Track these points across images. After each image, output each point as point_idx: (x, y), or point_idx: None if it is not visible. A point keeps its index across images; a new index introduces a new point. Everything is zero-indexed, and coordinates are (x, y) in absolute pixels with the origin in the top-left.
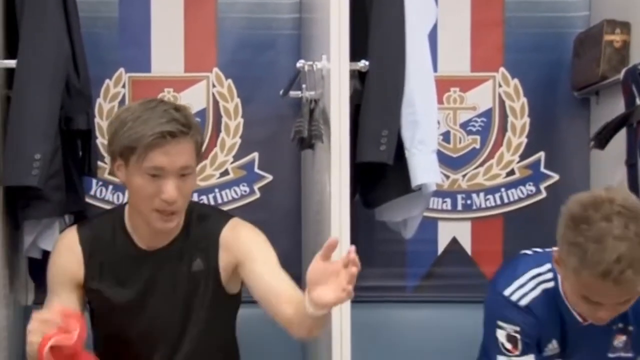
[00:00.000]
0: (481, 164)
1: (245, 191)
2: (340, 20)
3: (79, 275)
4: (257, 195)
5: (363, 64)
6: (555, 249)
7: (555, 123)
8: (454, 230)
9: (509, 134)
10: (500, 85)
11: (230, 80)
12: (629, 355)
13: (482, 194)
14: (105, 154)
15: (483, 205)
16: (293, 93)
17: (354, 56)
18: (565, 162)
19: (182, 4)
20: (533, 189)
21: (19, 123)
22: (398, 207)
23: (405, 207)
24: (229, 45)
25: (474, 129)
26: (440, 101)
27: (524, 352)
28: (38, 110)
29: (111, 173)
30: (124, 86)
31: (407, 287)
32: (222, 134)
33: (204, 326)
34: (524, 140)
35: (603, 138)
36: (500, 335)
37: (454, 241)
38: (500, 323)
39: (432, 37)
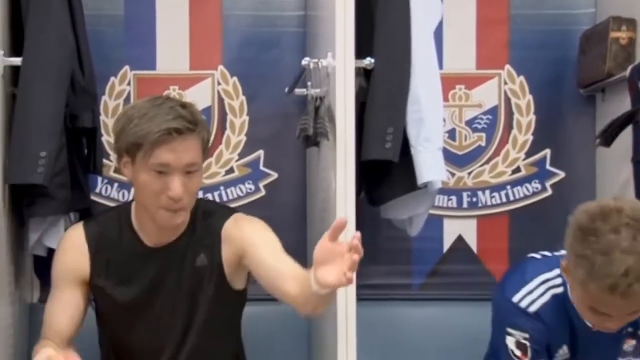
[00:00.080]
0: (487, 162)
1: (250, 189)
2: (345, 18)
3: (84, 272)
4: (263, 192)
5: (368, 61)
6: (563, 252)
7: (561, 120)
8: (460, 228)
9: (514, 131)
10: (505, 83)
11: (235, 78)
12: None
13: (487, 192)
14: (110, 152)
15: (489, 203)
16: (298, 91)
17: (360, 53)
18: (571, 160)
19: (188, 2)
20: (539, 186)
21: (24, 121)
22: (403, 204)
23: (410, 205)
24: (234, 43)
25: (479, 127)
26: (445, 98)
27: (533, 359)
28: (43, 108)
29: (116, 171)
30: (129, 84)
31: (412, 284)
32: (228, 132)
33: (207, 321)
34: (530, 137)
35: (609, 135)
36: (510, 342)
37: (460, 239)
38: (509, 330)
39: (438, 34)
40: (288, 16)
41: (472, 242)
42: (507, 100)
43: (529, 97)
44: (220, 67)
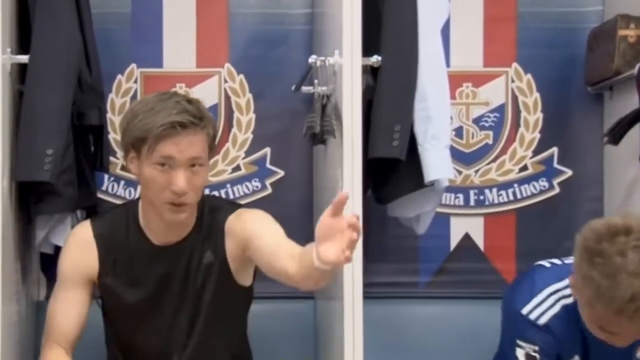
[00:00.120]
0: (494, 160)
1: (257, 187)
2: (352, 15)
3: (93, 270)
4: (269, 190)
5: (375, 59)
6: (572, 260)
7: (568, 118)
8: (467, 226)
9: (522, 129)
10: (513, 81)
11: (242, 76)
12: None
13: (494, 190)
14: (117, 149)
15: (496, 201)
16: (305, 88)
17: (367, 51)
18: (579, 158)
19: (194, 0)
20: (546, 184)
21: (31, 118)
22: (410, 202)
23: (417, 203)
24: (241, 41)
25: (486, 125)
26: (452, 96)
27: None
28: (50, 105)
29: (123, 168)
30: (135, 81)
31: (419, 283)
32: (234, 130)
33: (212, 317)
34: (537, 135)
35: (617, 133)
36: (520, 354)
37: (467, 237)
38: (519, 342)
39: (445, 32)
40: (295, 14)
41: (479, 240)
42: (515, 98)
43: (537, 95)
44: (227, 64)
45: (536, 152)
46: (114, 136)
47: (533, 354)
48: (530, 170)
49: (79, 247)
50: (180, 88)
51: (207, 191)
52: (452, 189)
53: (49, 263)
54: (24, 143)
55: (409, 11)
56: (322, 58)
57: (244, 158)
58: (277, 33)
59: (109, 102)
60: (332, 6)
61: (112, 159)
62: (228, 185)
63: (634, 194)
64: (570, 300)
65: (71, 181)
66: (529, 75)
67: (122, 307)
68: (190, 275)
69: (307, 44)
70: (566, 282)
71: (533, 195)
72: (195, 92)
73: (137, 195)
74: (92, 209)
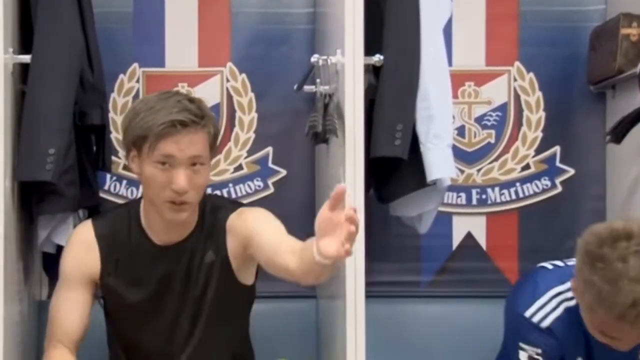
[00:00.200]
0: (496, 159)
1: (259, 186)
2: (354, 15)
3: (95, 270)
4: (271, 190)
5: (378, 58)
6: (574, 261)
7: (571, 117)
8: (469, 225)
9: (524, 128)
10: (515, 80)
11: (244, 75)
12: None
13: (497, 189)
14: (119, 149)
15: (498, 200)
16: (307, 88)
17: (369, 50)
18: (581, 157)
19: None
20: (548, 183)
21: (33, 118)
22: (413, 202)
23: (419, 202)
24: (243, 40)
25: (489, 124)
26: (455, 95)
27: None
28: (52, 105)
29: (125, 168)
30: (138, 81)
31: (421, 282)
32: (236, 129)
33: (214, 316)
34: (540, 134)
35: (619, 132)
36: (523, 356)
37: (469, 236)
38: (522, 345)
39: (447, 31)
40: (297, 13)
41: (481, 239)
42: (517, 97)
43: (539, 94)
44: (229, 64)
45: (538, 151)
46: (116, 136)
47: (536, 356)
48: (532, 169)
49: (80, 247)
50: (183, 87)
51: (209, 190)
52: (454, 188)
53: (51, 262)
54: (26, 143)
55: (411, 10)
56: (324, 57)
57: (246, 157)
58: (279, 32)
59: (111, 102)
60: (334, 5)
61: (114, 158)
62: (230, 185)
63: (637, 193)
64: (572, 302)
65: (73, 181)
66: (531, 74)
67: (124, 307)
68: (192, 275)
69: (309, 43)
70: (569, 284)
71: (535, 194)
72: (198, 92)
73: (139, 195)
74: (95, 209)
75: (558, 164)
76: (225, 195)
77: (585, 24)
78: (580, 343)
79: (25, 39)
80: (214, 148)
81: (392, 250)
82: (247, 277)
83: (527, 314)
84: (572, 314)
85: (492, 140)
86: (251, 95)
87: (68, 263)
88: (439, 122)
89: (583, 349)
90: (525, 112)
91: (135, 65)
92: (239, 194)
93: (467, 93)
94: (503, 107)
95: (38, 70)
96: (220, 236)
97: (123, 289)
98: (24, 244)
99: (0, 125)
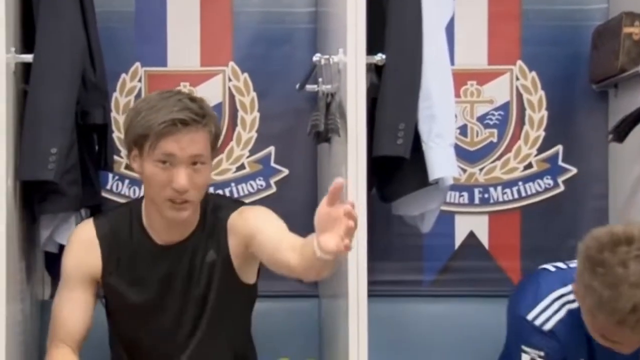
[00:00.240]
0: (498, 158)
1: (261, 185)
2: (357, 14)
3: (96, 269)
4: (274, 189)
5: (380, 57)
6: (576, 263)
7: (573, 116)
8: (471, 224)
9: (526, 127)
10: (517, 79)
11: (246, 74)
12: None
13: (499, 188)
14: (121, 148)
15: (500, 199)
16: (309, 87)
17: (371, 49)
18: (584, 156)
19: None
20: (551, 182)
21: (35, 117)
22: (415, 201)
23: (422, 201)
24: (245, 39)
25: (491, 123)
26: (457, 94)
27: None
28: (54, 104)
29: (127, 167)
30: (140, 80)
31: (423, 281)
32: (238, 128)
33: (216, 315)
34: (542, 133)
35: (622, 131)
36: (525, 359)
37: (471, 235)
38: (524, 347)
39: (449, 30)
40: (299, 12)
41: (483, 238)
42: (519, 96)
43: (541, 93)
44: (231, 63)
45: (541, 150)
46: (118, 135)
47: (538, 359)
48: (534, 168)
49: (82, 246)
50: (185, 87)
51: (211, 190)
52: (456, 187)
53: (54, 262)
54: (28, 142)
55: (413, 9)
56: (327, 56)
57: (248, 157)
58: (281, 31)
59: (113, 101)
60: (336, 5)
61: (116, 157)
62: (232, 184)
63: (639, 192)
64: (575, 305)
65: (75, 180)
66: (533, 73)
67: (126, 306)
68: (194, 274)
69: (312, 43)
70: (570, 287)
71: (538, 193)
72: (200, 91)
73: (141, 194)
74: (97, 208)
75: (560, 163)
76: (228, 194)
77: (588, 23)
78: (582, 345)
79: (27, 39)
80: (216, 147)
81: (395, 250)
82: (248, 276)
83: (530, 316)
84: (574, 316)
85: (495, 140)
86: (253, 94)
87: (69, 262)
88: (441, 121)
89: (585, 351)
90: (528, 111)
91: (138, 64)
92: (242, 194)
93: (469, 92)
94: (505, 106)
95: (40, 70)
96: (221, 235)
97: (124, 288)
98: (26, 244)
99: (2, 124)
